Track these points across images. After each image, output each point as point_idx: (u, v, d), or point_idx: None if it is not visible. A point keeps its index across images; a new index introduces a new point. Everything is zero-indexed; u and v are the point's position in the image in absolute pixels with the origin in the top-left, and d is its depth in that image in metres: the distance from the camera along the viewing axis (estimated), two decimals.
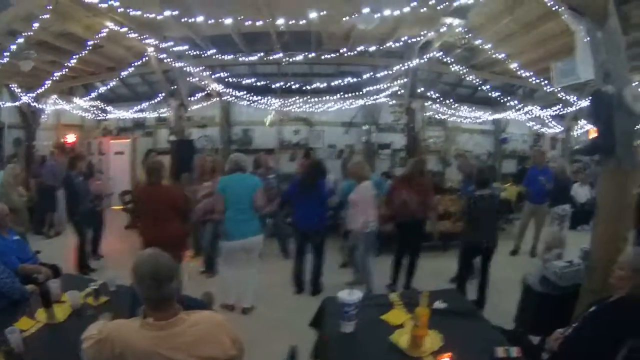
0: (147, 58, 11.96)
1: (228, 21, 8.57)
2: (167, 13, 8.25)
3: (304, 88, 14.71)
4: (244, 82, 14.45)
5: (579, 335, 3.71)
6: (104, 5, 7.82)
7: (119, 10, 8.13)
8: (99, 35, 9.79)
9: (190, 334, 2.65)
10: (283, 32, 11.48)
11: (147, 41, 10.49)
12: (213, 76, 14.32)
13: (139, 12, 8.36)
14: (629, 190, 4.93)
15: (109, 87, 15.01)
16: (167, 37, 11.04)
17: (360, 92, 15.97)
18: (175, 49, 11.09)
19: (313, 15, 8.36)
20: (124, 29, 9.51)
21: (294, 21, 8.82)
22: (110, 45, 11.80)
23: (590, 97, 5.18)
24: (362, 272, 7.65)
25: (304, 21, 8.65)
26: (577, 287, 5.30)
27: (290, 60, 12.17)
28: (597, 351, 3.48)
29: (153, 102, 15.79)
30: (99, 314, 3.75)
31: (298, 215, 7.86)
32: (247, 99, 15.79)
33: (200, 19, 8.56)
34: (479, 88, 16.41)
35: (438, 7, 8.19)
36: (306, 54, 11.87)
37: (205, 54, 11.81)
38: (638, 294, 3.57)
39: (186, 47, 11.36)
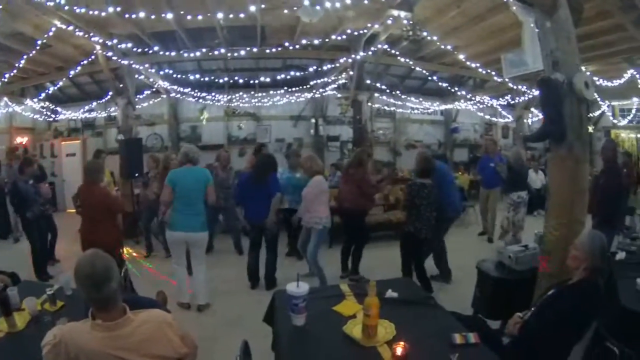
0: (94, 56, 11.79)
1: (169, 16, 8.50)
2: (111, 9, 8.19)
3: (251, 83, 14.95)
4: (190, 78, 14.30)
5: (539, 319, 3.78)
6: (51, 4, 7.78)
7: (65, 8, 8.06)
8: (48, 34, 9.63)
9: (139, 333, 2.64)
10: (227, 27, 11.51)
11: (94, 39, 10.41)
12: (160, 73, 14.26)
13: (84, 9, 8.30)
14: (581, 176, 5.04)
15: (58, 87, 14.67)
16: (113, 35, 10.94)
17: (307, 86, 16.17)
18: (121, 46, 11.00)
19: (253, 8, 8.36)
20: (71, 27, 9.39)
21: (232, 15, 8.78)
22: (58, 44, 11.64)
23: (538, 85, 5.22)
24: (312, 266, 7.62)
25: (243, 15, 8.66)
26: (534, 271, 5.38)
27: (235, 55, 12.15)
28: (558, 333, 3.57)
29: (102, 101, 15.60)
30: (57, 319, 3.72)
31: (250, 210, 7.81)
32: (195, 95, 15.74)
33: (142, 14, 8.47)
34: (429, 79, 16.74)
35: (383, 0, 8.16)
36: (249, 48, 11.87)
37: (151, 51, 11.67)
38: (595, 276, 3.68)
39: (132, 44, 11.17)
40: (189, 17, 9.03)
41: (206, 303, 6.82)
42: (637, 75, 12.61)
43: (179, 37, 11.88)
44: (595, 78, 13.57)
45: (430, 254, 7.97)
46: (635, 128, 19.45)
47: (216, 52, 11.87)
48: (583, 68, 11.71)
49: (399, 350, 3.06)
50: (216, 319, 6.50)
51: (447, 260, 7.96)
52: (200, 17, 8.83)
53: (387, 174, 12.60)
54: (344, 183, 8.59)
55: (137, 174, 10.42)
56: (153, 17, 8.57)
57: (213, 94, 15.94)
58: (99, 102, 15.77)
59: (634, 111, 19.20)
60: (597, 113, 19.46)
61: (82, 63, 12.30)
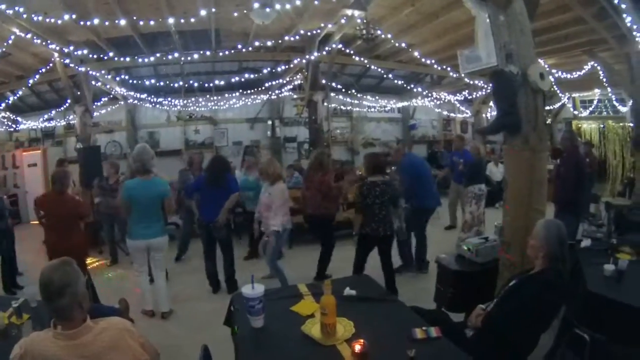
0: (52, 64, 11.66)
1: (123, 22, 8.38)
2: (67, 17, 8.12)
3: (206, 86, 14.86)
4: (146, 84, 14.26)
5: (501, 310, 3.82)
6: (10, 12, 7.75)
7: (24, 16, 8.03)
8: (7, 42, 9.54)
9: (100, 341, 2.66)
10: (181, 32, 11.42)
11: (51, 46, 10.32)
12: (116, 79, 14.07)
13: (41, 17, 8.20)
14: (538, 167, 5.12)
15: (18, 96, 14.39)
16: (70, 42, 10.77)
17: (262, 88, 16.22)
18: (77, 53, 10.89)
19: (203, 12, 8.35)
20: (30, 35, 9.30)
21: (183, 20, 8.75)
22: (18, 52, 11.55)
23: (491, 78, 5.31)
24: (272, 268, 7.64)
25: (194, 19, 8.64)
26: (496, 263, 5.47)
27: (189, 59, 12.17)
28: (521, 323, 3.61)
29: (60, 109, 15.43)
30: (24, 332, 3.71)
31: (205, 211, 7.73)
32: (151, 100, 15.59)
33: (96, 21, 8.44)
34: (385, 77, 16.95)
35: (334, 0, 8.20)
36: (202, 52, 11.79)
37: (106, 57, 11.46)
38: (555, 263, 3.74)
39: (88, 50, 11.06)
40: (141, 23, 9.01)
41: (169, 310, 6.81)
42: (598, 67, 12.74)
43: (134, 42, 11.79)
44: (554, 70, 13.80)
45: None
46: (597, 118, 19.71)
47: (170, 57, 11.85)
48: (542, 61, 12.00)
49: (357, 348, 3.08)
50: (180, 326, 6.48)
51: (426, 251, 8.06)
52: (152, 23, 8.82)
53: (350, 171, 12.68)
54: (306, 188, 8.57)
55: (95, 181, 10.24)
56: (107, 23, 8.50)
57: (169, 98, 15.83)
58: (57, 110, 15.62)
59: (595, 102, 19.57)
60: (557, 105, 19.78)
61: (40, 71, 12.21)
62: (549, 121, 19.68)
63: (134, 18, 9.06)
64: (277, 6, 7.96)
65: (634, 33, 9.63)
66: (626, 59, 11.52)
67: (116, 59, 11.80)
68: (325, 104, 16.07)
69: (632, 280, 4.72)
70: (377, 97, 19.45)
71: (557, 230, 3.80)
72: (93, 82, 12.61)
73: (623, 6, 8.65)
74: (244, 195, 8.90)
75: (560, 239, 3.77)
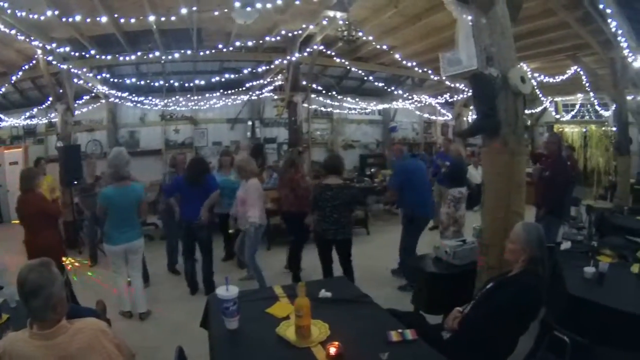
0: (35, 61, 11.56)
1: (104, 19, 8.30)
2: (50, 13, 8.05)
3: (187, 86, 14.77)
4: (128, 83, 14.23)
5: (479, 312, 3.85)
6: None
7: (8, 11, 7.97)
8: None
9: (76, 342, 2.67)
10: (163, 30, 11.38)
11: (34, 43, 10.18)
12: (98, 77, 13.98)
13: (24, 13, 8.16)
14: (517, 169, 5.16)
15: (1, 93, 14.13)
16: (54, 39, 10.63)
17: (243, 88, 16.20)
18: (60, 50, 10.79)
19: (184, 11, 8.34)
20: (14, 31, 9.17)
21: (164, 18, 8.71)
22: (1, 48, 11.41)
23: (470, 81, 5.33)
24: (251, 268, 7.73)
25: (174, 18, 8.55)
26: (474, 265, 5.48)
27: (169, 58, 11.98)
28: (499, 326, 3.62)
29: (42, 107, 15.24)
30: (3, 332, 3.62)
31: (185, 211, 7.71)
32: (132, 99, 15.50)
33: (78, 18, 8.37)
34: (366, 79, 17.00)
35: (315, 0, 8.20)
36: (183, 51, 11.65)
37: (88, 55, 11.35)
38: (535, 266, 3.74)
39: (70, 48, 11.02)
40: (122, 20, 8.96)
41: (147, 311, 6.80)
42: (581, 72, 12.82)
43: (116, 40, 11.70)
44: (537, 74, 13.87)
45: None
46: (579, 123, 19.90)
47: (151, 56, 11.77)
48: (525, 65, 12.04)
49: (332, 350, 3.13)
50: (158, 327, 6.47)
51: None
52: (133, 21, 8.78)
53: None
54: (280, 187, 8.82)
55: (75, 182, 10.17)
56: (89, 20, 8.42)
57: (150, 97, 15.73)
58: (39, 108, 15.42)
59: (577, 106, 19.69)
60: (539, 109, 20.10)
61: (24, 68, 12.10)
62: (528, 123, 20.06)
63: (115, 16, 9.00)
64: (258, 5, 7.93)
65: (619, 38, 9.70)
66: (610, 63, 11.61)
67: (98, 57, 11.68)
68: (306, 105, 16.13)
69: (613, 282, 4.77)
70: (357, 99, 19.56)
71: (537, 234, 3.81)
72: (75, 80, 12.49)
73: (608, 11, 8.71)
74: (225, 195, 8.83)
75: (540, 242, 3.77)
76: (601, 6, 8.63)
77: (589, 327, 4.08)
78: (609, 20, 9.02)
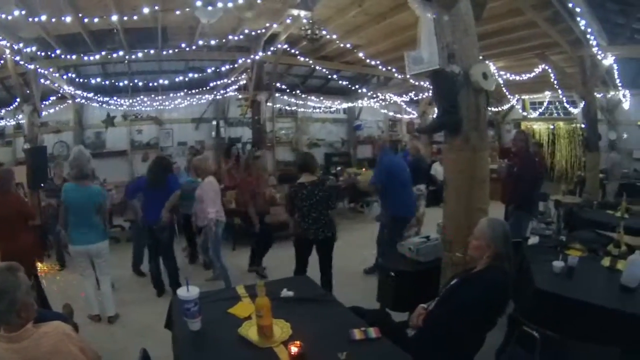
0: (3, 61, 11.36)
1: (69, 19, 8.19)
2: (17, 12, 7.95)
3: (152, 85, 14.67)
4: (93, 83, 13.99)
5: (443, 309, 3.85)
6: None
7: None
8: None
9: (42, 345, 2.67)
10: (128, 29, 11.28)
11: (2, 43, 10.06)
12: (64, 77, 13.81)
13: None
14: (480, 165, 5.19)
15: None
16: (22, 38, 10.46)
17: (207, 87, 16.18)
18: (27, 50, 10.57)
19: (146, 10, 8.28)
20: None
21: (126, 17, 8.71)
22: None
23: (431, 78, 5.39)
24: (216, 266, 7.78)
25: (136, 17, 8.58)
26: (439, 262, 5.50)
27: (133, 57, 11.99)
28: (464, 322, 3.61)
29: (10, 109, 14.94)
30: None
31: (148, 213, 7.68)
32: (98, 100, 15.28)
33: (44, 17, 8.21)
34: (331, 78, 17.16)
35: None
36: (146, 50, 11.62)
37: (54, 54, 11.21)
38: (500, 262, 3.76)
39: (37, 47, 10.85)
40: (85, 20, 8.92)
41: (115, 314, 6.77)
42: (549, 70, 12.94)
43: (83, 40, 11.56)
44: (503, 72, 13.99)
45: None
46: (547, 120, 20.34)
47: (115, 55, 11.71)
48: (491, 63, 12.12)
49: (293, 350, 3.11)
50: (126, 330, 6.45)
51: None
52: (96, 20, 8.78)
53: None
54: (238, 189, 9.06)
55: (42, 184, 10.05)
56: (54, 20, 8.28)
57: (115, 98, 15.55)
58: (7, 109, 15.14)
59: (545, 104, 20.04)
60: (506, 106, 20.50)
61: None
62: (492, 119, 20.63)
63: (80, 15, 8.92)
64: (220, 4, 7.89)
65: (588, 36, 9.84)
66: (579, 62, 11.79)
67: (63, 56, 11.53)
68: (270, 104, 16.24)
69: (584, 276, 4.83)
70: (322, 98, 19.69)
71: (502, 229, 3.83)
72: (42, 81, 12.34)
73: (578, 10, 8.81)
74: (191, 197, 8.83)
75: (505, 238, 3.79)
76: (570, 5, 8.71)
77: (560, 321, 4.13)
78: (578, 19, 9.14)
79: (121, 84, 14.27)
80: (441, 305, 3.88)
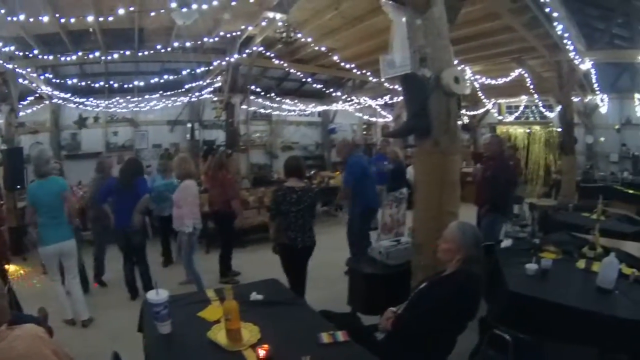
0: None
1: (46, 19, 8.16)
2: None
3: (127, 87, 14.60)
4: (70, 83, 14.04)
5: (412, 312, 3.86)
6: None
7: None
8: None
9: (16, 348, 2.62)
10: (106, 30, 11.29)
11: None
12: (41, 77, 13.63)
13: None
14: (450, 168, 5.21)
15: None
16: (1, 37, 10.35)
17: (182, 89, 16.12)
18: (6, 49, 10.46)
19: (121, 11, 8.24)
20: None
21: (102, 18, 8.70)
22: None
23: (401, 82, 5.37)
24: (188, 272, 7.78)
25: (111, 18, 8.55)
26: (409, 265, 5.50)
27: (109, 58, 11.97)
28: (433, 325, 3.64)
29: None
30: None
31: (119, 217, 7.65)
32: (75, 100, 15.14)
33: (22, 17, 8.18)
34: (306, 81, 17.27)
35: (250, 1, 8.21)
36: (122, 51, 11.65)
37: (31, 54, 11.14)
38: (470, 265, 3.77)
39: (16, 46, 10.76)
40: (62, 20, 8.86)
41: (89, 318, 6.75)
42: (525, 74, 13.05)
43: (61, 40, 11.51)
44: (478, 77, 14.09)
45: None
46: (523, 124, 20.61)
47: (91, 56, 11.66)
48: (468, 67, 12.19)
49: (261, 353, 3.13)
50: (101, 334, 6.45)
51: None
52: (73, 20, 8.70)
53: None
54: (210, 188, 9.04)
55: (18, 186, 9.98)
56: (32, 20, 8.24)
57: (91, 99, 15.42)
58: None
59: (521, 108, 20.29)
60: (481, 110, 20.68)
61: None
62: (464, 122, 20.69)
63: (57, 15, 8.87)
64: (194, 6, 7.89)
65: (565, 41, 9.90)
66: (556, 66, 11.94)
67: (41, 56, 11.50)
68: (245, 106, 16.47)
69: (558, 278, 4.88)
70: (296, 101, 19.76)
71: (473, 233, 3.86)
72: (20, 80, 12.24)
73: (555, 15, 8.86)
74: (166, 198, 8.89)
75: (476, 242, 3.83)
76: (548, 10, 8.78)
77: (535, 323, 4.16)
78: (556, 24, 9.20)
79: (97, 85, 14.15)
80: (410, 308, 3.89)
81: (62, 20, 8.83)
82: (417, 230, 5.41)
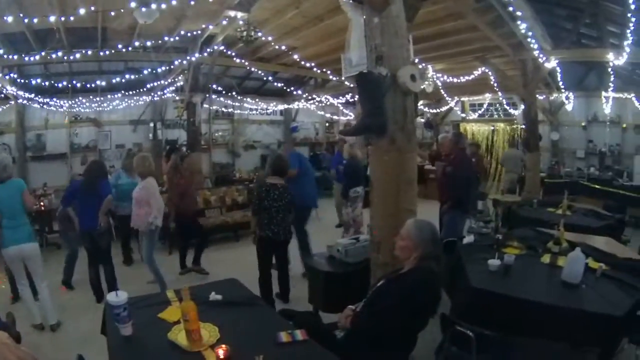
0: None
1: (10, 19, 8.07)
2: None
3: (90, 86, 14.38)
4: (34, 83, 13.71)
5: (370, 310, 3.88)
6: None
7: None
8: None
9: None
10: (70, 29, 11.10)
11: None
12: (6, 77, 13.35)
13: None
14: (407, 166, 5.27)
15: None
16: None
17: (145, 89, 16.08)
18: None
19: (82, 11, 8.04)
20: None
21: (63, 18, 8.54)
22: None
23: (356, 80, 5.45)
24: (151, 270, 7.64)
25: (72, 18, 8.37)
26: (368, 262, 5.54)
27: (71, 58, 11.78)
28: (392, 322, 3.66)
29: None
30: None
31: (84, 219, 7.57)
32: (39, 101, 14.89)
33: None
34: (267, 80, 17.36)
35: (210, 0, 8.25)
36: (84, 51, 11.45)
37: None
38: (428, 262, 3.79)
39: None
40: (25, 21, 8.71)
41: (57, 322, 6.69)
42: (489, 73, 13.20)
43: (26, 39, 11.34)
44: (440, 75, 14.22)
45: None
46: (487, 121, 20.91)
47: (54, 56, 11.49)
48: (430, 66, 12.30)
49: (220, 353, 3.13)
50: (69, 338, 6.38)
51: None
52: (36, 20, 8.55)
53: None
54: (169, 188, 9.16)
55: None
56: None
57: (55, 99, 15.23)
58: None
59: (485, 105, 20.59)
60: (444, 108, 21.03)
61: None
62: (425, 120, 21.34)
63: (21, 15, 8.70)
64: (153, 5, 7.87)
65: (529, 40, 10.03)
66: (521, 65, 12.08)
67: (6, 56, 11.33)
68: (206, 105, 16.44)
69: (522, 274, 4.95)
70: (257, 100, 19.91)
71: (429, 230, 3.90)
72: None
73: (519, 13, 8.93)
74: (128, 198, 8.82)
75: (433, 239, 3.87)
76: (511, 9, 8.85)
77: (499, 319, 4.22)
78: (519, 23, 9.27)
79: (61, 85, 14.00)
80: (368, 306, 3.92)
81: (26, 21, 8.71)
82: (375, 228, 5.44)
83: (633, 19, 7.97)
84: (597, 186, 14.04)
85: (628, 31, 8.36)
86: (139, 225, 7.58)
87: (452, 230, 7.75)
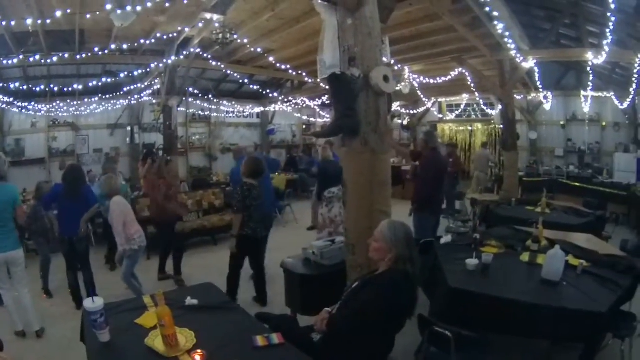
0: None
1: None
2: None
3: (68, 90, 14.06)
4: (12, 87, 13.38)
5: (345, 312, 3.87)
6: None
7: None
8: None
9: None
10: (49, 32, 11.03)
11: None
12: None
13: None
14: (380, 167, 5.29)
15: None
16: None
17: (121, 92, 16.10)
18: None
19: (59, 14, 8.01)
20: None
21: (40, 21, 8.47)
22: None
23: (328, 81, 5.46)
24: (127, 284, 7.46)
25: (49, 20, 8.29)
26: (344, 264, 5.57)
27: (48, 61, 11.66)
28: (367, 324, 3.65)
29: None
30: None
31: (65, 225, 7.50)
32: (17, 105, 14.93)
33: None
34: (244, 83, 17.50)
35: (185, 1, 8.23)
36: (61, 54, 11.47)
37: None
38: (403, 264, 3.77)
39: None
40: (3, 23, 8.65)
41: (41, 328, 6.62)
42: (466, 74, 13.29)
43: (5, 42, 11.23)
44: (416, 76, 14.27)
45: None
46: (465, 122, 21.13)
47: (31, 59, 11.43)
48: (407, 67, 12.35)
49: (197, 358, 3.16)
50: (52, 344, 6.34)
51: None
52: (13, 23, 8.54)
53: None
54: (150, 192, 9.21)
55: None
56: None
57: (33, 103, 15.21)
58: None
59: (462, 106, 20.78)
60: (421, 109, 21.10)
61: None
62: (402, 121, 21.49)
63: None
64: (129, 8, 7.84)
65: (506, 40, 10.08)
66: (498, 65, 12.21)
67: None
68: (183, 109, 16.47)
69: (501, 272, 4.98)
70: (234, 103, 19.94)
71: (404, 231, 3.87)
72: None
73: (496, 14, 8.89)
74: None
75: (407, 240, 3.83)
76: (487, 9, 8.82)
77: (478, 318, 4.28)
78: (495, 23, 9.25)
79: (38, 89, 13.78)
80: (343, 308, 3.91)
81: (4, 23, 8.66)
82: (349, 230, 5.48)
83: (613, 19, 8.06)
84: (576, 184, 14.30)
85: (608, 31, 8.44)
86: (121, 245, 7.29)
87: (422, 230, 7.76)
